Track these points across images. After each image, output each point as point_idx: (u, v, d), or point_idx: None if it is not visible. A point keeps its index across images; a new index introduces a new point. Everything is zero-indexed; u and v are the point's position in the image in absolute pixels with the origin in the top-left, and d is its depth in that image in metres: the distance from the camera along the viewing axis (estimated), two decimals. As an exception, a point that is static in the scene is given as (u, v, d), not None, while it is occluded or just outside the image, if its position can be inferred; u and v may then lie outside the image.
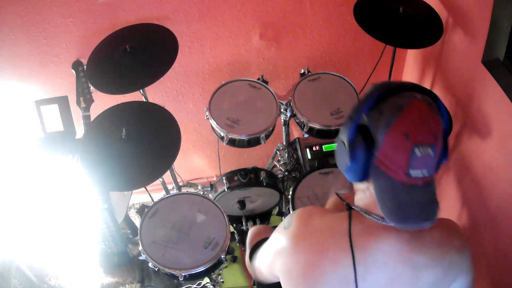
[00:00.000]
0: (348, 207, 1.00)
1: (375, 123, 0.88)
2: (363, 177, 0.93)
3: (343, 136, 0.93)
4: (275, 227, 1.14)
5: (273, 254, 1.07)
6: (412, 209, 0.87)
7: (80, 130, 1.91)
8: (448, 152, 0.93)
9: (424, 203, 0.87)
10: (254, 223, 2.25)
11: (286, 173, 2.33)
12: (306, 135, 2.07)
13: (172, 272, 1.61)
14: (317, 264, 0.96)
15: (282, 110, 1.95)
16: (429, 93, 0.91)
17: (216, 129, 1.86)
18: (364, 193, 0.97)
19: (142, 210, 1.80)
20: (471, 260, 0.99)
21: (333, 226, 0.99)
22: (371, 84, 0.95)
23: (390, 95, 0.88)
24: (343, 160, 0.94)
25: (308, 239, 0.99)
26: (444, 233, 0.97)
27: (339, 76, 1.99)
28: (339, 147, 0.96)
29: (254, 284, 2.15)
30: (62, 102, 1.91)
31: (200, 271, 1.63)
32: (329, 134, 1.87)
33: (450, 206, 1.86)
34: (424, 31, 1.77)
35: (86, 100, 1.93)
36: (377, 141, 0.87)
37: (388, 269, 0.93)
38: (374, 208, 0.94)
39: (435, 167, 0.87)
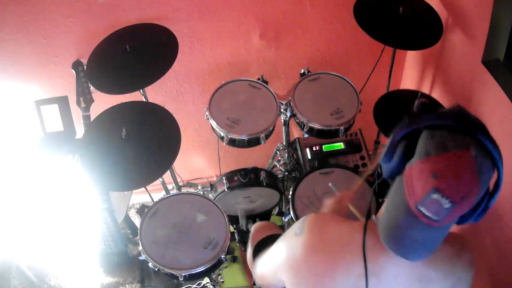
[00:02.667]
0: (366, 216, 1.00)
1: (422, 142, 0.84)
2: (389, 176, 0.92)
3: (396, 130, 0.90)
4: (279, 226, 1.13)
5: (282, 261, 1.06)
6: (404, 238, 0.87)
7: (80, 130, 1.91)
8: (483, 216, 0.89)
9: (417, 240, 0.86)
10: (254, 223, 2.25)
11: (286, 173, 2.33)
12: (306, 135, 2.07)
13: (172, 272, 1.61)
14: (329, 274, 0.96)
15: (282, 110, 1.95)
16: (495, 161, 0.84)
17: (216, 129, 1.85)
18: None
19: (142, 210, 1.80)
20: (473, 278, 1.00)
21: (347, 236, 0.98)
22: (457, 105, 0.89)
23: (452, 130, 0.83)
24: (384, 149, 0.92)
25: (321, 248, 0.98)
26: (454, 249, 0.98)
27: (339, 76, 1.99)
28: (390, 141, 0.92)
29: (254, 284, 2.15)
30: (62, 102, 1.91)
31: (200, 271, 1.63)
32: (329, 134, 1.87)
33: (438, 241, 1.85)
34: (424, 31, 1.77)
35: (86, 100, 1.93)
36: (413, 159, 0.85)
37: (399, 281, 0.94)
38: None
39: (449, 219, 0.83)
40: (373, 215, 0.99)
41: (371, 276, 0.93)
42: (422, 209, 0.82)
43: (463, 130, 0.83)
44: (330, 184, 1.51)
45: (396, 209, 0.88)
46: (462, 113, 0.85)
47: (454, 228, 0.93)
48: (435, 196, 0.79)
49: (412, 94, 1.79)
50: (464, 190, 0.79)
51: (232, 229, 2.28)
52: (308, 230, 1.02)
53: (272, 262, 1.12)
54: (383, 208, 0.97)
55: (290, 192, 1.80)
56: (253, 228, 1.48)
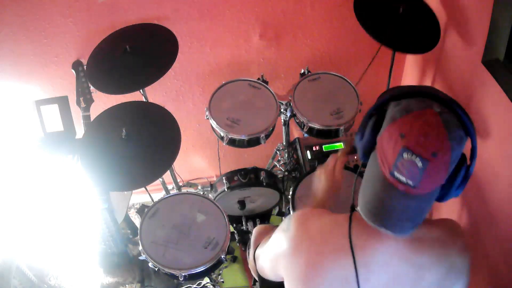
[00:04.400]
0: (351, 208, 1.00)
1: (389, 112, 0.88)
2: (365, 156, 0.95)
3: (369, 111, 0.95)
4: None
5: (275, 256, 1.08)
6: (384, 210, 0.86)
7: (80, 130, 1.91)
8: (463, 188, 0.90)
9: (398, 212, 0.86)
10: (254, 223, 2.25)
11: (286, 173, 2.33)
12: (306, 135, 2.07)
13: (172, 272, 1.61)
14: (317, 266, 0.96)
15: (282, 110, 1.95)
16: (462, 121, 0.86)
17: (216, 129, 1.86)
18: None
19: (142, 210, 1.80)
20: (470, 263, 0.99)
21: (333, 227, 0.99)
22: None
23: (414, 95, 0.88)
24: (357, 133, 0.97)
25: (307, 241, 0.99)
26: (446, 234, 0.97)
27: (339, 76, 1.99)
28: (362, 121, 0.98)
29: (254, 284, 2.15)
30: (62, 102, 1.91)
31: (200, 271, 1.63)
32: (329, 134, 1.87)
33: (450, 206, 1.86)
34: (424, 32, 1.77)
35: (86, 100, 1.93)
36: (382, 129, 0.88)
37: (390, 269, 0.94)
38: None
39: (425, 184, 0.83)
40: (357, 207, 1.00)
41: (361, 266, 0.93)
42: (396, 174, 0.83)
43: (425, 95, 0.88)
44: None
45: (373, 183, 0.89)
46: (422, 85, 0.92)
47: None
48: (406, 155, 0.81)
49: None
50: (433, 144, 0.81)
51: (232, 229, 2.28)
52: (294, 225, 1.04)
53: (268, 258, 1.14)
54: (360, 188, 0.98)
55: (290, 192, 1.81)
56: (254, 231, 1.48)
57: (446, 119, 0.83)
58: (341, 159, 1.39)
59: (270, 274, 1.16)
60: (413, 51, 1.93)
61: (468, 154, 0.90)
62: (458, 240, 0.98)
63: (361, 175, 1.03)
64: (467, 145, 0.89)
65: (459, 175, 0.88)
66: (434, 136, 0.81)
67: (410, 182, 0.82)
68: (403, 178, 0.83)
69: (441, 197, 0.91)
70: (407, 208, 0.85)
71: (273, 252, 1.10)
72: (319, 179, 1.40)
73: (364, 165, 0.98)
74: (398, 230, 0.87)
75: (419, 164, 0.80)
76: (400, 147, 0.82)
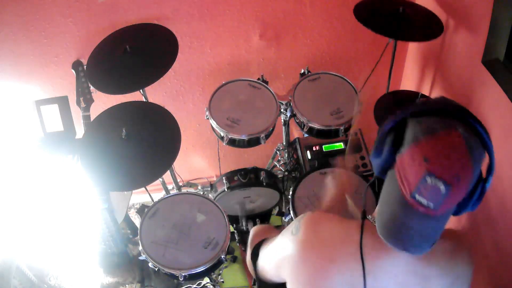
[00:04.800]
0: (362, 215, 0.99)
1: (410, 130, 0.85)
2: (381, 173, 0.92)
3: (384, 125, 0.91)
4: (277, 226, 1.13)
5: (280, 259, 1.07)
6: (402, 231, 0.85)
7: (80, 130, 1.91)
8: (480, 203, 0.88)
9: (416, 232, 0.85)
10: (254, 223, 2.25)
11: (286, 173, 2.33)
12: (306, 135, 2.07)
13: (172, 272, 1.61)
14: (325, 273, 0.95)
15: (282, 110, 1.95)
16: (482, 139, 0.85)
17: (216, 129, 1.85)
18: None
19: (142, 210, 1.80)
20: (473, 272, 1.00)
21: (344, 235, 0.98)
22: (441, 96, 0.91)
23: (437, 113, 0.85)
24: (374, 144, 0.94)
25: (317, 247, 0.98)
26: (454, 245, 0.97)
27: (339, 76, 1.99)
28: (378, 133, 0.94)
29: (254, 284, 2.15)
30: (62, 102, 1.91)
31: (200, 271, 1.63)
32: (329, 134, 1.87)
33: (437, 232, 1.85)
34: (423, 31, 1.77)
35: (86, 100, 1.93)
36: (403, 148, 0.85)
37: (398, 280, 0.94)
38: None
39: (445, 206, 0.82)
40: (369, 215, 0.99)
41: (369, 275, 0.93)
42: (417, 197, 0.81)
43: (447, 113, 0.85)
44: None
45: (391, 203, 0.87)
46: (445, 99, 0.88)
47: (454, 224, 0.93)
48: (429, 180, 0.79)
49: (412, 95, 1.79)
50: (457, 168, 0.79)
51: (232, 229, 2.28)
52: (304, 228, 1.02)
53: (272, 259, 1.13)
54: (378, 205, 0.97)
55: (290, 192, 1.81)
56: (252, 231, 1.48)
57: (469, 140, 0.81)
58: (348, 167, 1.38)
59: (271, 274, 1.15)
60: (415, 39, 1.91)
61: (483, 168, 0.88)
62: (465, 252, 0.98)
63: (370, 185, 1.03)
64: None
65: (477, 192, 0.86)
66: (458, 159, 0.80)
67: (431, 205, 0.81)
68: (424, 201, 0.81)
69: (457, 212, 0.90)
70: (425, 227, 0.85)
71: (278, 254, 1.09)
72: (330, 185, 1.40)
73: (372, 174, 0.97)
74: (416, 250, 0.86)
75: (442, 188, 0.79)
76: (423, 171, 0.80)
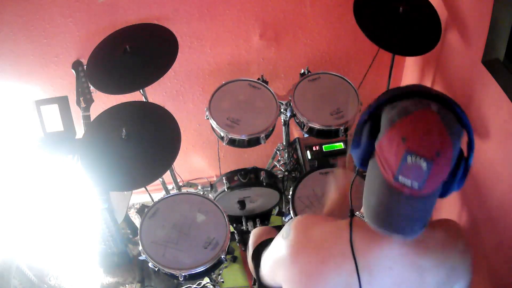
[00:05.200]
0: (351, 213, 0.99)
1: (385, 116, 0.87)
2: (362, 164, 0.93)
3: (360, 119, 0.93)
4: (277, 227, 1.13)
5: (273, 263, 1.07)
6: (392, 215, 0.85)
7: (80, 130, 1.91)
8: (464, 181, 0.89)
9: (406, 215, 0.85)
10: (254, 223, 2.25)
11: (286, 173, 2.33)
12: (306, 135, 2.07)
13: (172, 272, 1.61)
14: (318, 274, 0.95)
15: (282, 110, 1.95)
16: (458, 115, 0.86)
17: (216, 129, 1.86)
18: None
19: (142, 210, 1.80)
20: (472, 262, 0.99)
21: (333, 234, 0.98)
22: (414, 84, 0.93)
23: (409, 96, 0.86)
24: (352, 141, 0.95)
25: (307, 249, 0.98)
26: (448, 235, 0.97)
27: (339, 76, 1.99)
28: (355, 128, 0.96)
29: (254, 284, 2.15)
30: (62, 102, 1.91)
31: (200, 271, 1.63)
32: (329, 134, 1.87)
33: (450, 206, 1.86)
34: (423, 32, 1.77)
35: (86, 100, 1.93)
36: (380, 134, 0.87)
37: (393, 273, 0.93)
38: None
39: (430, 184, 0.82)
40: (357, 212, 0.99)
41: (363, 272, 0.92)
42: (401, 178, 0.82)
43: (420, 95, 0.86)
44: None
45: (376, 191, 0.87)
46: (417, 84, 0.89)
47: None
48: (410, 158, 0.80)
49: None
50: (436, 144, 0.80)
51: (232, 229, 2.28)
52: (294, 232, 1.02)
53: (267, 263, 1.13)
54: (364, 198, 0.97)
55: (290, 192, 1.80)
56: (252, 233, 1.48)
57: (444, 117, 0.83)
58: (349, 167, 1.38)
59: (268, 279, 1.15)
60: (412, 54, 1.93)
61: (464, 147, 0.90)
62: (459, 241, 0.98)
63: (360, 175, 1.03)
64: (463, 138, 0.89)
65: (460, 169, 0.87)
66: (436, 135, 0.81)
67: (416, 185, 0.81)
68: (408, 182, 0.81)
69: (444, 193, 0.90)
70: (414, 209, 0.84)
71: (271, 258, 1.09)
72: (331, 188, 1.40)
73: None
74: (409, 232, 0.86)
75: (424, 165, 0.79)
76: (403, 151, 0.80)
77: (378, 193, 0.87)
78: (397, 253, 0.92)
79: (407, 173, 0.81)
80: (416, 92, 0.87)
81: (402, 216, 0.85)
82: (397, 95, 0.88)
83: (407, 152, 0.80)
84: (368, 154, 0.91)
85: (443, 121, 0.82)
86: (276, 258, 1.05)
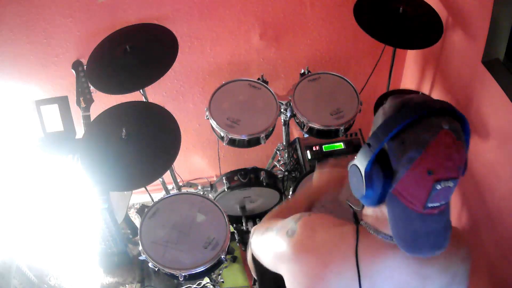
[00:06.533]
0: (356, 221, 0.99)
1: (396, 154, 0.83)
2: (378, 203, 0.90)
3: (359, 163, 0.88)
4: None
5: (277, 256, 1.06)
6: (425, 239, 0.86)
7: (80, 130, 1.91)
8: (466, 170, 0.90)
9: (438, 230, 0.86)
10: (254, 223, 2.25)
11: (286, 173, 2.33)
12: (306, 135, 2.07)
13: (172, 272, 1.61)
14: (320, 277, 0.95)
15: (282, 110, 1.95)
16: (456, 115, 0.86)
17: (216, 129, 1.85)
18: (375, 212, 0.95)
19: (142, 210, 1.80)
20: (470, 270, 1.00)
21: (339, 240, 0.98)
22: (390, 100, 0.88)
23: (414, 124, 0.82)
24: (358, 186, 0.91)
25: (311, 252, 0.98)
26: (451, 244, 0.97)
27: (339, 76, 1.99)
28: (354, 172, 0.91)
29: (254, 284, 2.15)
30: (62, 102, 1.91)
31: (200, 271, 1.63)
32: (329, 134, 1.87)
33: (450, 206, 1.86)
34: (424, 31, 1.77)
35: (86, 100, 1.93)
36: (397, 173, 0.84)
37: (395, 281, 0.94)
38: (383, 227, 0.93)
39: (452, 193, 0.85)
40: (362, 220, 0.99)
41: (365, 279, 0.92)
42: (431, 205, 0.83)
43: (418, 120, 0.83)
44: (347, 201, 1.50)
45: (406, 223, 0.87)
46: (402, 105, 0.85)
47: (455, 224, 0.93)
48: (439, 186, 0.81)
49: (412, 94, 1.79)
50: (457, 161, 0.82)
51: (232, 229, 2.28)
52: (299, 232, 1.01)
53: (269, 254, 1.11)
54: (368, 213, 0.97)
55: (290, 192, 1.81)
56: (252, 230, 1.47)
57: (454, 130, 0.82)
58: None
59: (268, 265, 1.14)
60: (414, 47, 1.92)
61: None
62: (462, 249, 0.98)
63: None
64: None
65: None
66: (456, 154, 0.82)
67: (443, 202, 0.84)
68: (437, 204, 0.83)
69: None
70: (443, 222, 0.87)
71: (274, 251, 1.08)
72: (316, 175, 1.40)
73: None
74: (444, 244, 0.88)
75: (451, 184, 0.82)
76: (431, 183, 0.80)
77: (408, 223, 0.86)
78: (401, 263, 0.93)
79: (437, 198, 0.82)
80: (417, 118, 0.83)
81: (435, 233, 0.86)
82: (401, 128, 0.83)
83: (436, 182, 0.81)
84: (384, 195, 0.88)
85: (456, 135, 0.82)
86: (278, 252, 1.05)
